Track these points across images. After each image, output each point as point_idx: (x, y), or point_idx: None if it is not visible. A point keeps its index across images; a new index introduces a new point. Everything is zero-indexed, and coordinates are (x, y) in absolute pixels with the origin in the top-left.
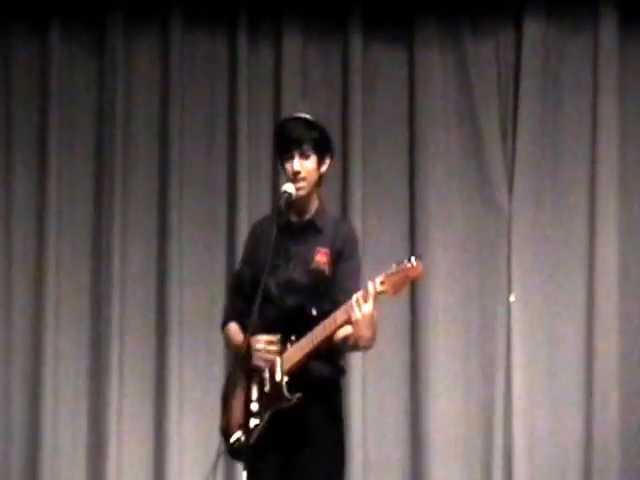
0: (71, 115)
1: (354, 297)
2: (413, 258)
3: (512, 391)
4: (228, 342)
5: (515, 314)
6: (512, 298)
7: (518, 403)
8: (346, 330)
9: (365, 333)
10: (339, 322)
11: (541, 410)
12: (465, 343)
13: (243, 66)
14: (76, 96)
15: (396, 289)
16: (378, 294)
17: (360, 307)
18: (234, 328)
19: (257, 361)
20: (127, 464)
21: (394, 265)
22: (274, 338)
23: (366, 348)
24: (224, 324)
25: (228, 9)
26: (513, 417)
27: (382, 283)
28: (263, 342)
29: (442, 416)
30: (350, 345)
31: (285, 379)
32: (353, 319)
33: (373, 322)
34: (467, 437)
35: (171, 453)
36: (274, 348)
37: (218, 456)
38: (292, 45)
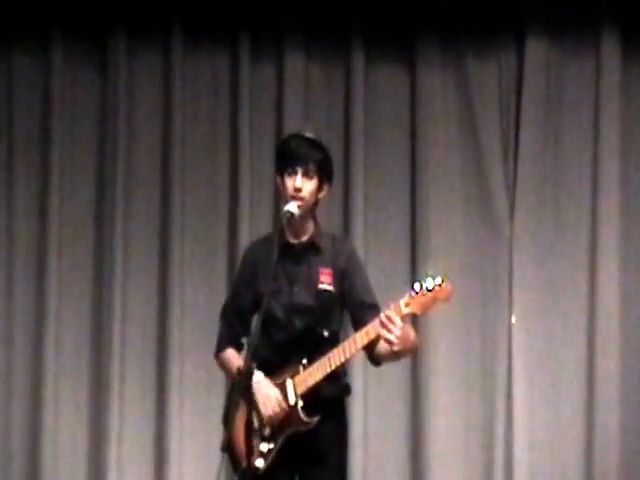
0: (73, 132)
1: (377, 321)
2: (440, 278)
3: (513, 411)
4: (226, 368)
5: (516, 335)
6: (513, 320)
7: (519, 423)
8: (384, 347)
9: (405, 347)
10: (359, 345)
11: (542, 429)
12: (466, 364)
13: (245, 85)
14: (78, 113)
15: (424, 310)
16: (404, 316)
17: (391, 331)
18: (232, 354)
19: (265, 414)
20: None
21: (417, 285)
22: (283, 404)
23: (413, 353)
24: (219, 350)
25: (230, 28)
26: (514, 438)
27: (407, 305)
28: (274, 401)
29: (443, 434)
30: (393, 358)
31: (300, 403)
32: (391, 339)
33: (409, 335)
34: (468, 455)
35: (172, 469)
36: (282, 412)
37: (219, 473)
38: (294, 65)
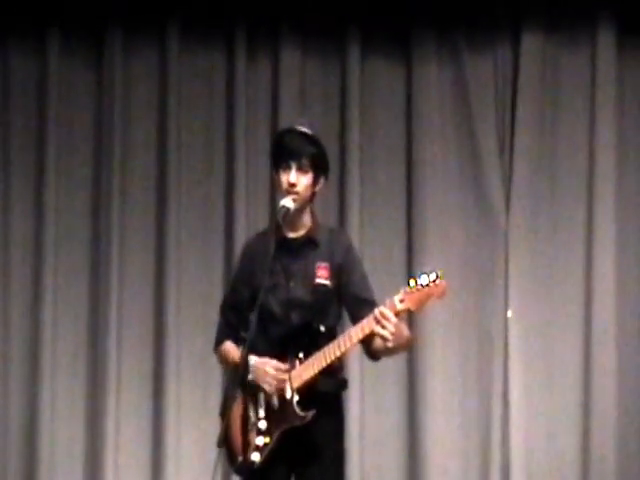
0: (69, 129)
1: (372, 317)
2: (435, 275)
3: (509, 406)
4: (224, 360)
5: (512, 329)
6: (509, 314)
7: (515, 418)
8: (380, 342)
9: (399, 343)
10: (355, 340)
11: (538, 426)
12: (463, 358)
13: (241, 81)
14: (74, 110)
15: (418, 306)
16: (398, 312)
17: (385, 327)
18: (231, 346)
19: (265, 385)
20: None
21: (411, 281)
22: (282, 366)
23: (408, 349)
24: (218, 343)
25: (226, 24)
26: (510, 432)
27: (401, 301)
28: (272, 367)
29: (439, 431)
30: (388, 353)
31: (296, 398)
32: (385, 335)
33: (402, 331)
34: (464, 452)
35: (169, 463)
36: (283, 376)
37: (216, 468)
38: (290, 61)
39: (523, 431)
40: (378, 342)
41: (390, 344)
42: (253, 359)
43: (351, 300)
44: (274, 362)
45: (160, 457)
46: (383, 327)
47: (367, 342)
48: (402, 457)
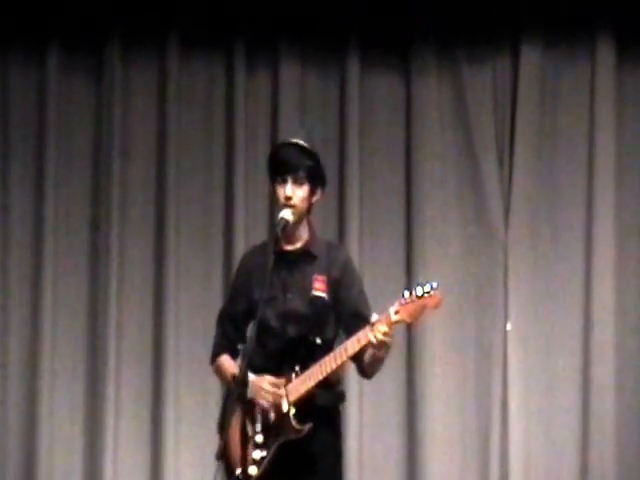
0: (69, 141)
1: (367, 329)
2: (429, 286)
3: (508, 419)
4: (221, 375)
5: (512, 342)
6: (508, 327)
7: (514, 431)
8: (367, 357)
9: (383, 354)
10: (350, 352)
11: (538, 437)
12: (461, 370)
13: (240, 93)
14: (74, 122)
15: (413, 318)
16: (394, 323)
17: (380, 338)
18: (227, 360)
19: (261, 400)
20: None
21: (406, 292)
22: (278, 381)
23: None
24: (214, 357)
25: (225, 36)
26: (509, 444)
27: (397, 312)
28: (268, 382)
29: (438, 443)
30: (377, 365)
31: (293, 411)
32: (375, 343)
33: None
34: (464, 465)
35: (168, 476)
36: (279, 391)
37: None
38: (289, 73)
39: (522, 443)
40: (367, 357)
41: (384, 353)
42: (250, 376)
43: (348, 316)
44: (270, 378)
45: (159, 468)
46: (376, 338)
47: (359, 359)
48: (401, 470)
